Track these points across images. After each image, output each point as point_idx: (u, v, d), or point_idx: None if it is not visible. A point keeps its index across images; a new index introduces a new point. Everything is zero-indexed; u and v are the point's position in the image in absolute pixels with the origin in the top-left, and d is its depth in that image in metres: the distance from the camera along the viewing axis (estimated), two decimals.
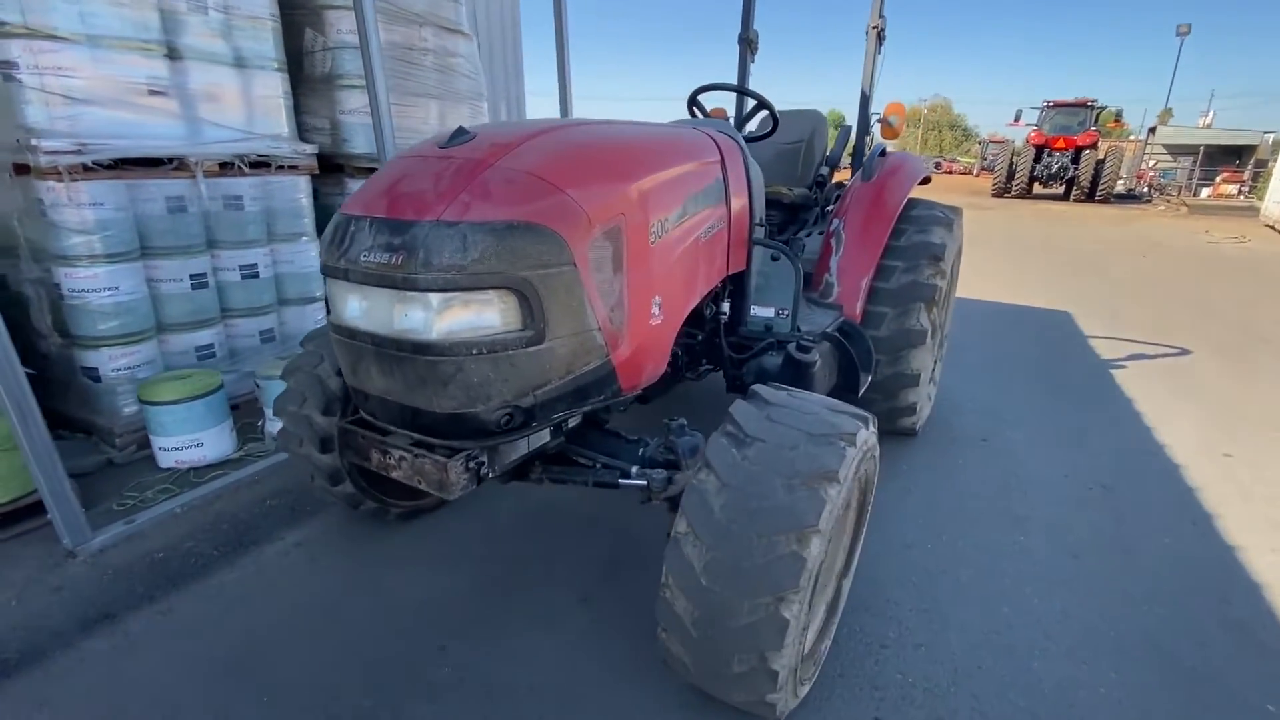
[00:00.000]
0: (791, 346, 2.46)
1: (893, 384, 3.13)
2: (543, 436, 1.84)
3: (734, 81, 4.21)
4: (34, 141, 2.76)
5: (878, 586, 2.36)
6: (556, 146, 1.66)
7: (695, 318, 2.58)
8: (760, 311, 2.65)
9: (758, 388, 1.81)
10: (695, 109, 3.05)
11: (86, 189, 2.97)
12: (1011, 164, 22.94)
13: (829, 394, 2.75)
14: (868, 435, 1.67)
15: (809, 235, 3.41)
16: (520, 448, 1.77)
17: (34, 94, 2.80)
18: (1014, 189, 22.54)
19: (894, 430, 3.42)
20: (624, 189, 1.72)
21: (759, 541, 1.41)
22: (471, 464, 1.63)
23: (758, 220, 2.56)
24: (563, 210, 1.51)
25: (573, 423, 1.99)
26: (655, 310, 1.89)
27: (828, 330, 2.74)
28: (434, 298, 1.41)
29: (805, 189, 3.59)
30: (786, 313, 2.60)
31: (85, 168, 2.92)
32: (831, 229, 3.10)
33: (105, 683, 1.91)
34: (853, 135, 3.73)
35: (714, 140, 2.33)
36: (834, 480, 1.47)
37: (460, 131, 1.66)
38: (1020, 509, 2.91)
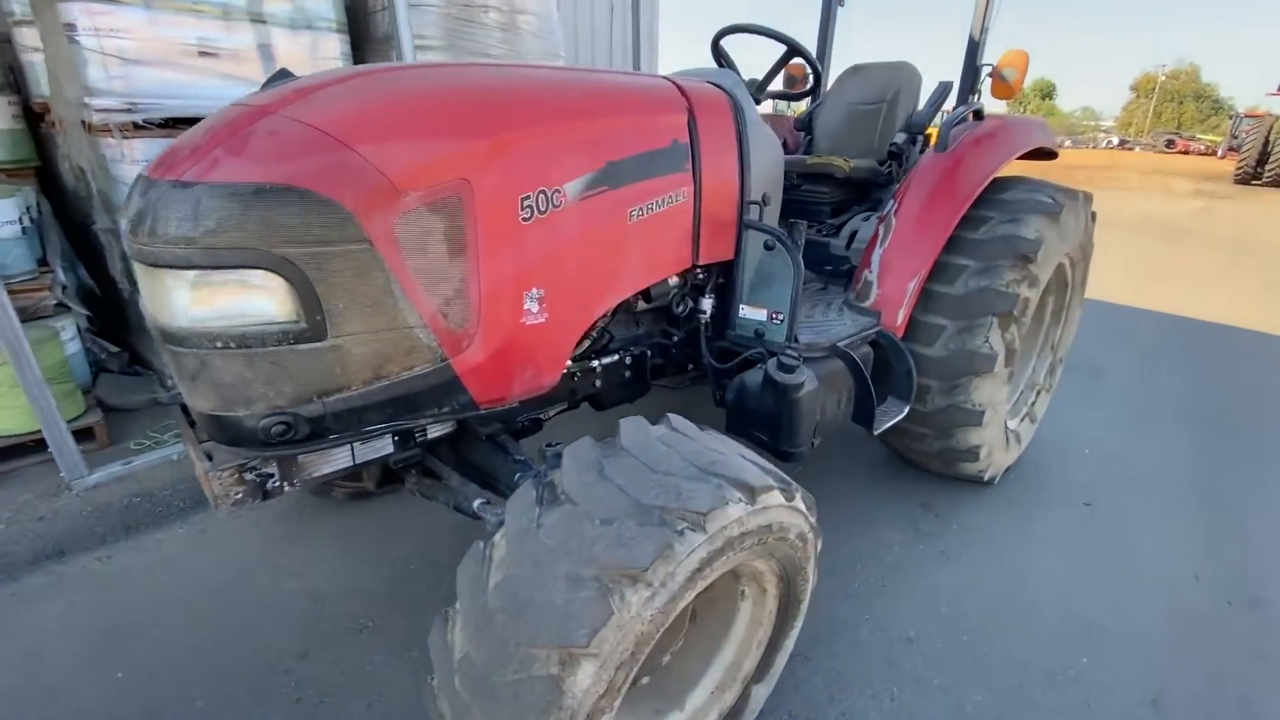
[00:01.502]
0: (771, 363, 1.91)
1: (947, 419, 2.40)
2: (380, 446, 1.54)
3: (819, 34, 3.51)
4: (87, 100, 2.96)
5: (840, 687, 1.79)
6: (371, 91, 1.31)
7: (668, 314, 2.12)
8: (750, 313, 2.11)
9: (633, 421, 1.36)
10: (721, 59, 2.50)
11: (140, 146, 3.16)
12: (1267, 144, 18.22)
13: (847, 423, 2.17)
14: (746, 514, 1.16)
15: (866, 219, 2.72)
16: (337, 459, 1.49)
17: (92, 55, 2.99)
18: (1267, 175, 17.92)
19: (955, 476, 2.67)
20: (468, 147, 1.33)
21: (514, 651, 1.00)
22: (250, 475, 1.38)
23: (755, 197, 2.01)
24: (344, 171, 1.17)
25: (438, 431, 1.67)
26: (532, 306, 1.49)
27: (844, 344, 2.13)
28: (168, 277, 1.15)
29: (874, 161, 2.87)
30: (781, 317, 2.04)
31: (136, 126, 3.10)
32: (884, 213, 2.41)
33: None
34: (953, 94, 2.91)
35: (682, 91, 1.83)
36: (638, 581, 1.00)
37: (280, 74, 1.37)
38: (1102, 617, 2.09)
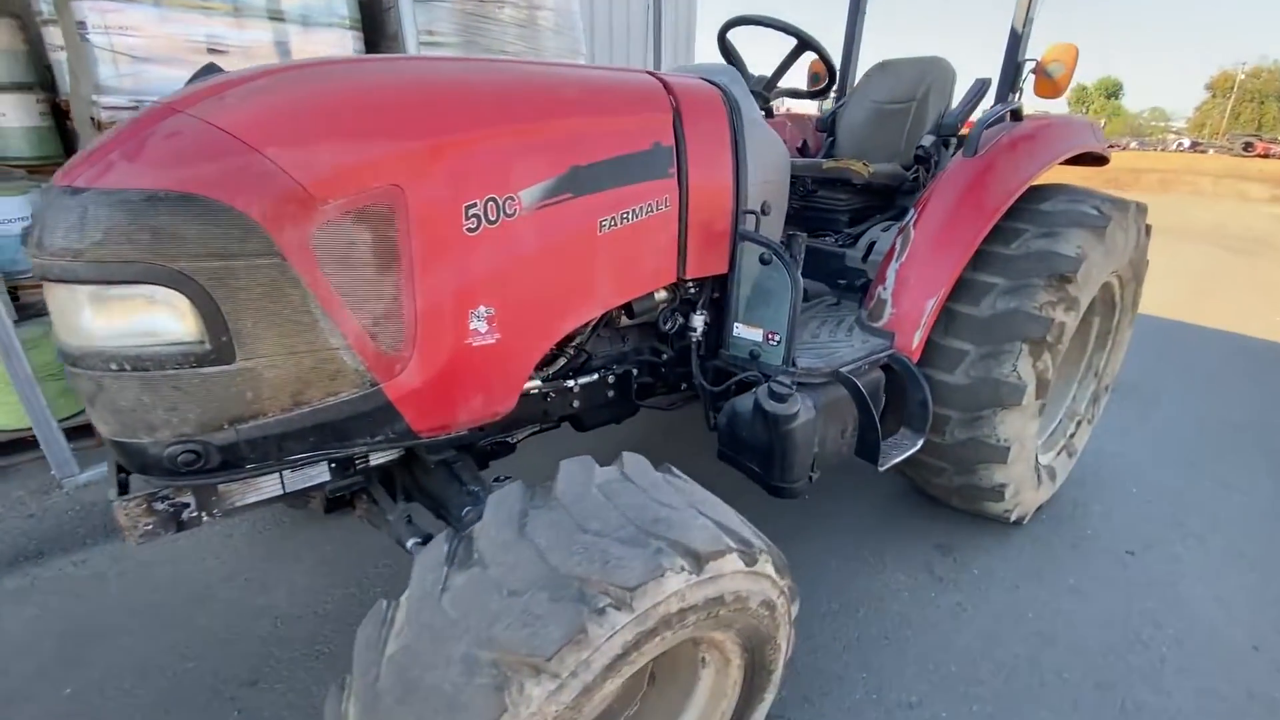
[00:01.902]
0: (762, 391, 1.73)
1: (968, 454, 2.16)
2: (315, 474, 1.42)
3: (846, 27, 3.26)
4: (95, 98, 2.97)
5: None
6: (294, 88, 1.18)
7: (657, 331, 1.96)
8: (745, 332, 1.92)
9: (574, 465, 1.20)
10: (728, 54, 2.31)
11: None
12: None
13: (851, 455, 1.96)
14: (689, 585, 0.98)
15: (886, 229, 2.49)
16: (264, 488, 1.37)
17: (102, 52, 2.99)
18: None
19: (978, 514, 2.42)
20: (401, 149, 1.19)
21: None
22: (161, 506, 1.27)
23: (753, 206, 1.83)
24: (248, 177, 1.04)
25: (383, 458, 1.54)
26: (480, 325, 1.34)
27: (849, 368, 1.92)
28: (60, 291, 1.05)
29: (899, 166, 2.64)
30: (778, 338, 1.85)
31: None
32: (904, 224, 2.18)
33: None
34: (991, 93, 2.64)
35: (667, 89, 1.66)
36: (540, 671, 0.84)
37: (206, 69, 1.26)
38: (1141, 691, 1.83)
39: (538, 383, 1.72)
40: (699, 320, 1.94)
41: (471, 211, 1.28)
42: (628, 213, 1.55)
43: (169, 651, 1.86)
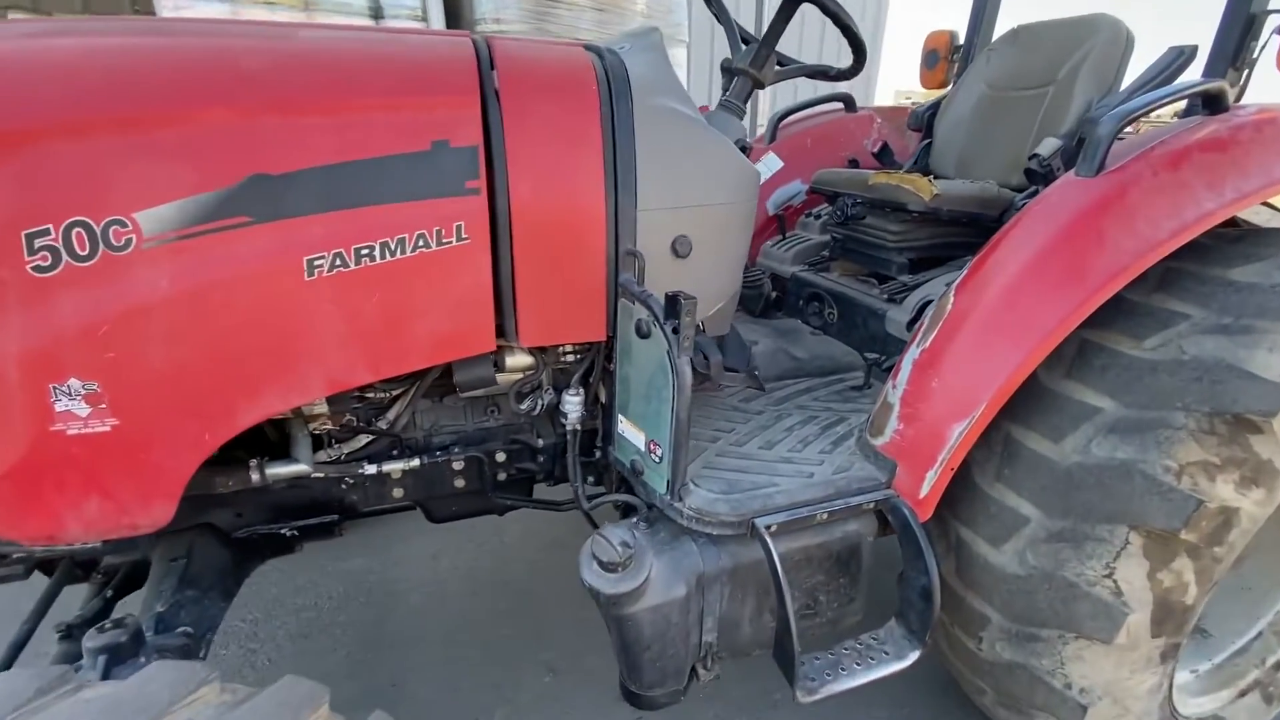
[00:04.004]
0: (586, 548, 1.10)
1: (1016, 688, 1.26)
2: None
3: None
4: None
5: None
6: None
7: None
8: (629, 431, 1.27)
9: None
10: (718, 14, 1.60)
11: None
12: None
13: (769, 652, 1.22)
14: None
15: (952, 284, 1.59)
16: None
17: None
18: None
19: None
20: None
21: None
22: None
23: (647, 243, 1.18)
24: None
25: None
26: (76, 406, 0.91)
27: (784, 517, 1.17)
28: None
29: (1001, 186, 1.71)
30: (660, 452, 1.18)
31: None
32: (954, 281, 1.32)
33: None
34: (1198, 67, 1.58)
35: (481, 59, 1.08)
36: None
37: None
38: None
39: (303, 467, 1.25)
40: (572, 403, 1.33)
41: (40, 243, 0.84)
42: (372, 247, 1.01)
43: None
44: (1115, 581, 1.07)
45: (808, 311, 2.00)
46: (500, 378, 1.32)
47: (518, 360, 1.31)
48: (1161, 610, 1.08)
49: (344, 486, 1.35)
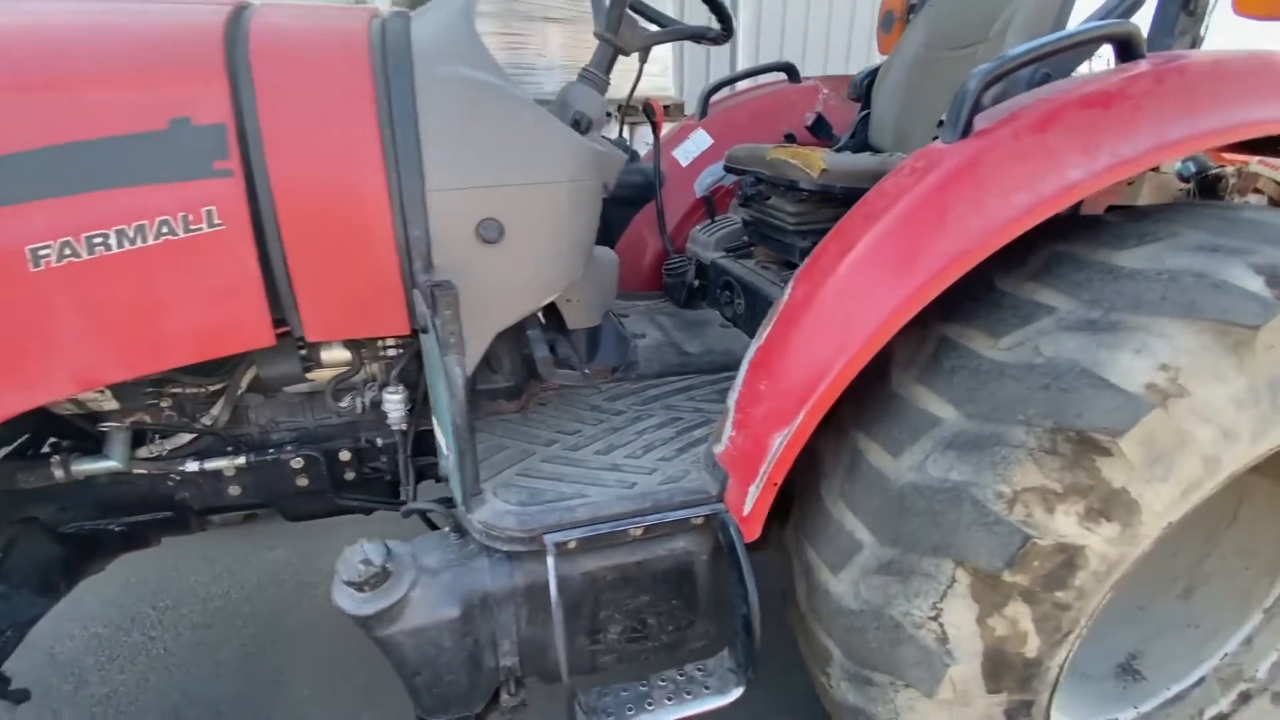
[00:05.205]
0: (340, 563, 1.01)
1: None
2: None
3: None
4: None
5: None
6: None
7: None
8: (438, 435, 1.18)
9: None
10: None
11: None
12: None
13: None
14: None
15: None
16: None
17: None
18: None
19: None
20: None
21: None
22: None
23: (437, 228, 1.08)
24: None
25: None
26: None
27: (583, 533, 1.05)
28: None
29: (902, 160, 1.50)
30: (450, 455, 1.08)
31: None
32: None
33: None
34: (1124, 10, 1.33)
35: (228, 30, 0.99)
36: None
37: None
38: None
39: (113, 464, 1.22)
40: (393, 401, 1.24)
41: None
42: (106, 235, 0.94)
43: None
44: (941, 625, 0.90)
45: (722, 301, 1.85)
46: (316, 374, 1.25)
47: (334, 355, 1.23)
48: (995, 663, 0.90)
49: (170, 484, 1.32)
